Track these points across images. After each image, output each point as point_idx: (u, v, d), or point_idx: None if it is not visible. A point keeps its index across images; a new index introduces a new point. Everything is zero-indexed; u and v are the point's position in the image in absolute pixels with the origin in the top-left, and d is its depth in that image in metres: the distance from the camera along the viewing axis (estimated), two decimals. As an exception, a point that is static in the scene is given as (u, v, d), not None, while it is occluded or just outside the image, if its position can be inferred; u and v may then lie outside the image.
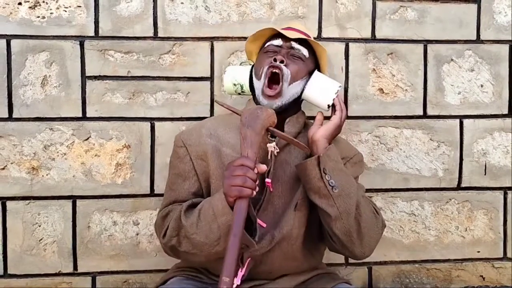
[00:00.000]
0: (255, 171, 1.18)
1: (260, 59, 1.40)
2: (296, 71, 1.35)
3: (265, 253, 1.31)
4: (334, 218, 1.28)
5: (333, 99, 1.37)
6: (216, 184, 1.35)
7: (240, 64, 1.55)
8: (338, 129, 1.36)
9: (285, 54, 1.36)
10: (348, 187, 1.30)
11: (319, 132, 1.32)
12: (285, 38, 1.38)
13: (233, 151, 1.37)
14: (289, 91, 1.35)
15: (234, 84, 1.46)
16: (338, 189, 1.27)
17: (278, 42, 1.39)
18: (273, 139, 1.35)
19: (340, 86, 1.39)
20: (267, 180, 1.29)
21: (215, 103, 1.51)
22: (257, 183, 1.18)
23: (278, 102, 1.33)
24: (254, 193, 1.17)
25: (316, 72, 1.41)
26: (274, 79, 1.33)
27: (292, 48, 1.38)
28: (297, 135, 1.39)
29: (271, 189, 1.32)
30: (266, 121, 1.24)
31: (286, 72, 1.33)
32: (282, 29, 1.44)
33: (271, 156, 1.31)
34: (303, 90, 1.38)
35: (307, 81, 1.38)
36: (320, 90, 1.37)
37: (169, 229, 1.31)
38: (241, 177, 1.15)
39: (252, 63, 1.47)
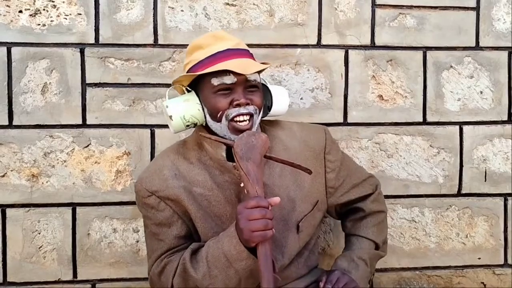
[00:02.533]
0: (269, 208, 1.13)
1: (212, 100, 1.25)
2: (259, 103, 1.27)
3: None
4: None
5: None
6: (203, 227, 1.29)
7: (169, 91, 1.37)
8: None
9: (242, 91, 1.24)
10: (385, 240, 1.49)
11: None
12: (237, 73, 1.22)
13: (204, 188, 1.30)
14: (257, 121, 1.29)
15: (187, 125, 1.30)
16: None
17: (230, 79, 1.23)
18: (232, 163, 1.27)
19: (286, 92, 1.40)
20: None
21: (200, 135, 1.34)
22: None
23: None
24: (274, 230, 1.12)
25: (270, 87, 1.35)
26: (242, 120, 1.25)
27: (248, 80, 1.25)
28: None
29: None
30: (263, 149, 1.17)
31: (253, 109, 1.26)
32: (220, 53, 1.27)
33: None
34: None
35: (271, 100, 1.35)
36: (281, 101, 1.36)
37: (174, 284, 1.24)
38: (261, 220, 1.10)
39: (184, 88, 1.32)
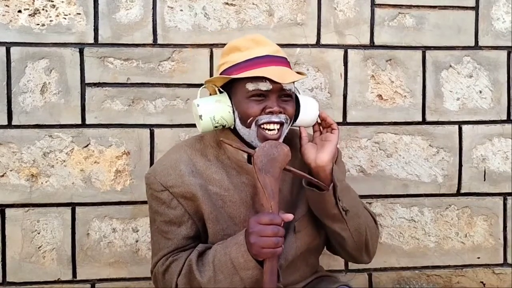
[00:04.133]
0: (282, 224, 1.12)
1: (245, 105, 1.22)
2: (291, 112, 1.25)
3: None
4: (347, 238, 1.29)
5: (319, 115, 1.29)
6: (214, 229, 1.26)
7: (202, 89, 1.33)
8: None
9: (276, 98, 1.22)
10: (356, 206, 1.29)
11: (323, 157, 1.22)
12: (273, 81, 1.19)
13: (220, 188, 1.27)
14: (285, 132, 1.27)
15: (215, 126, 1.25)
16: (349, 212, 1.26)
17: (266, 86, 1.20)
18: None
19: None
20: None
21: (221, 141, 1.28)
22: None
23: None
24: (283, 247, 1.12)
25: (300, 97, 1.30)
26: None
27: (283, 89, 1.22)
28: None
29: None
30: (283, 163, 1.15)
31: (285, 118, 1.23)
32: (259, 59, 1.24)
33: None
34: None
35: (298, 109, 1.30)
36: (309, 113, 1.30)
37: (181, 285, 1.22)
38: (273, 238, 1.09)
39: (216, 89, 1.29)
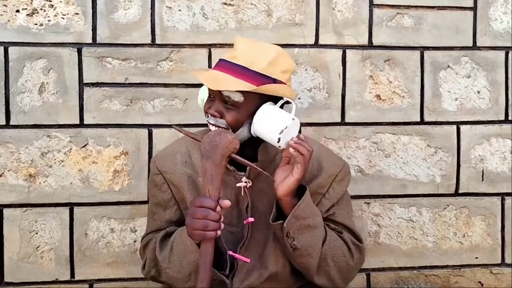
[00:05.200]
0: (218, 209, 1.13)
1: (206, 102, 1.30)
2: (231, 121, 1.23)
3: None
4: (296, 266, 1.31)
5: (289, 143, 1.19)
6: None
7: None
8: (300, 181, 1.21)
9: (219, 102, 1.24)
10: (313, 246, 1.25)
11: (280, 189, 1.20)
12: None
13: None
14: (239, 134, 1.24)
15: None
16: (299, 251, 1.24)
17: (209, 88, 1.25)
18: (242, 173, 1.29)
19: (287, 125, 1.19)
20: (249, 219, 1.25)
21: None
22: (221, 220, 1.14)
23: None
24: (219, 232, 1.13)
25: (262, 107, 1.23)
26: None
27: (221, 94, 1.22)
28: (273, 158, 1.32)
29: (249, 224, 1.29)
30: (226, 150, 1.15)
31: (224, 123, 1.23)
32: (218, 62, 1.27)
33: (244, 191, 1.27)
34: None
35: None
36: (266, 128, 1.21)
37: (147, 260, 1.31)
38: (202, 220, 1.11)
39: None
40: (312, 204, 1.27)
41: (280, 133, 1.18)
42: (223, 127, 1.23)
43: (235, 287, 1.27)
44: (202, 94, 1.37)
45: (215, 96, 1.25)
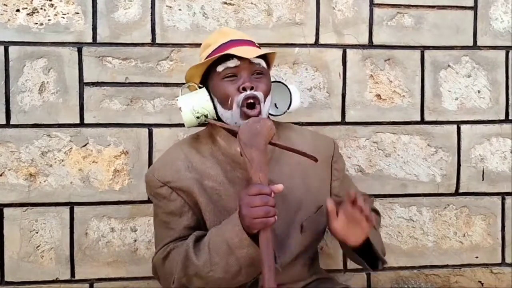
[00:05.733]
0: (272, 195, 1.12)
1: (220, 87, 1.28)
2: (265, 90, 1.28)
3: None
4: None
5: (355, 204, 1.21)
6: (211, 221, 1.29)
7: (182, 90, 1.44)
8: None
9: (248, 76, 1.27)
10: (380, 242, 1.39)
11: (357, 241, 1.24)
12: (240, 56, 1.26)
13: (215, 182, 1.31)
14: (265, 109, 1.30)
15: (197, 117, 1.32)
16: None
17: (234, 62, 1.26)
18: None
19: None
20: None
21: (207, 121, 1.35)
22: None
23: None
24: (276, 218, 1.12)
25: (290, 87, 1.38)
26: (251, 106, 1.27)
27: (251, 63, 1.27)
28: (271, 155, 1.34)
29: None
30: (268, 136, 1.16)
31: (260, 95, 1.27)
32: (224, 44, 1.31)
33: None
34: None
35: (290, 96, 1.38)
36: (298, 99, 1.41)
37: (177, 270, 1.23)
38: (263, 207, 1.09)
39: (196, 85, 1.36)
40: (372, 231, 1.30)
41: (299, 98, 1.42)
42: (258, 96, 1.26)
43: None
44: (196, 105, 1.31)
45: (241, 70, 1.27)
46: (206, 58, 1.32)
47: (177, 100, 1.33)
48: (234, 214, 1.18)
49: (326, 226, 1.40)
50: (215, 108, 1.31)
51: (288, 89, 1.39)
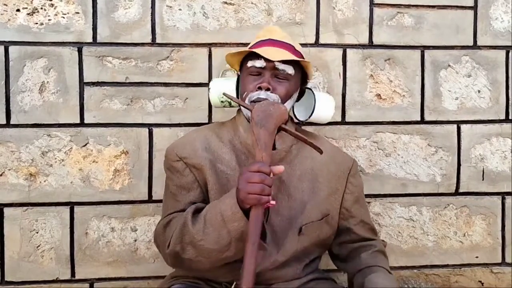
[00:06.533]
0: (271, 175, 1.15)
1: (244, 80, 1.36)
2: (284, 94, 1.31)
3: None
4: None
5: None
6: (214, 199, 1.32)
7: (222, 74, 1.64)
8: None
9: (269, 76, 1.31)
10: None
11: None
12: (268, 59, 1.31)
13: (228, 168, 1.36)
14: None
15: (222, 101, 1.46)
16: None
17: (260, 63, 1.32)
18: None
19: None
20: (272, 202, 1.24)
21: (223, 95, 1.38)
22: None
23: None
24: (270, 198, 1.15)
25: (317, 94, 1.43)
26: None
27: (276, 69, 1.31)
28: (290, 148, 1.38)
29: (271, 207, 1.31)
30: (279, 119, 1.20)
31: (276, 98, 1.29)
32: (262, 42, 1.37)
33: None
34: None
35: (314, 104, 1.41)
36: (327, 111, 1.45)
37: (173, 236, 1.28)
38: (259, 185, 1.12)
39: (236, 73, 1.45)
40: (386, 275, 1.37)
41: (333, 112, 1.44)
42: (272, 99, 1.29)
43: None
44: (219, 85, 1.45)
45: (266, 71, 1.31)
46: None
47: (211, 82, 1.50)
48: (233, 189, 1.22)
49: (331, 235, 1.41)
50: (238, 97, 1.40)
51: (314, 98, 1.45)
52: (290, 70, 1.32)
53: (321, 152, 1.22)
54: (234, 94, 1.40)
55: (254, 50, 1.32)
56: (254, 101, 1.29)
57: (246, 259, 1.11)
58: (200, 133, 1.43)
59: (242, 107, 1.33)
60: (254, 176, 1.13)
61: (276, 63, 1.30)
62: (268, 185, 1.13)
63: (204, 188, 1.36)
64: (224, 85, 1.46)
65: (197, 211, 1.29)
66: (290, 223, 1.34)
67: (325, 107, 1.47)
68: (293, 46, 1.38)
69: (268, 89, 1.29)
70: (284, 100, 1.32)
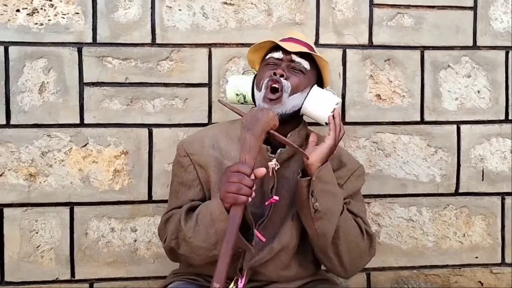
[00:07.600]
0: (252, 177, 1.18)
1: (261, 71, 1.40)
2: (296, 83, 1.35)
3: (263, 263, 1.33)
4: (311, 236, 1.34)
5: (328, 117, 1.35)
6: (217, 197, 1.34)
7: (243, 73, 1.62)
8: (332, 150, 1.32)
9: (285, 67, 1.36)
10: (332, 211, 1.31)
11: (313, 157, 1.29)
12: (286, 51, 1.37)
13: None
14: (290, 102, 1.34)
15: (237, 94, 1.47)
16: (320, 213, 1.29)
17: (278, 55, 1.38)
18: (273, 155, 1.34)
19: (337, 103, 1.38)
20: (275, 197, 1.29)
21: (218, 102, 1.48)
22: (253, 188, 1.18)
23: (279, 109, 1.32)
24: (250, 199, 1.17)
25: (315, 86, 1.40)
26: (274, 91, 1.33)
27: (293, 61, 1.37)
28: (300, 147, 1.38)
29: (273, 203, 1.33)
30: (266, 124, 1.23)
31: (286, 84, 1.34)
32: (283, 40, 1.44)
33: (272, 172, 1.32)
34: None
35: (307, 95, 1.37)
36: (318, 105, 1.36)
37: (169, 232, 1.33)
38: (236, 184, 1.16)
39: (255, 72, 1.47)
40: (333, 174, 1.33)
41: (332, 111, 1.35)
42: (283, 85, 1.32)
43: (246, 261, 1.32)
44: (239, 85, 1.45)
45: (282, 62, 1.37)
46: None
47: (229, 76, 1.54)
48: None
49: None
50: (253, 91, 1.41)
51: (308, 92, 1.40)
52: (306, 64, 1.38)
53: (307, 158, 1.27)
54: (249, 91, 1.43)
55: (271, 40, 1.39)
56: (267, 87, 1.33)
57: (219, 258, 1.13)
58: (210, 131, 1.46)
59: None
60: (233, 175, 1.17)
61: (293, 56, 1.36)
62: (246, 185, 1.16)
63: (206, 186, 1.39)
64: (241, 80, 1.47)
65: (192, 209, 1.32)
66: (286, 213, 1.37)
67: (318, 104, 1.38)
68: (312, 47, 1.45)
69: (282, 76, 1.33)
70: (295, 90, 1.35)
